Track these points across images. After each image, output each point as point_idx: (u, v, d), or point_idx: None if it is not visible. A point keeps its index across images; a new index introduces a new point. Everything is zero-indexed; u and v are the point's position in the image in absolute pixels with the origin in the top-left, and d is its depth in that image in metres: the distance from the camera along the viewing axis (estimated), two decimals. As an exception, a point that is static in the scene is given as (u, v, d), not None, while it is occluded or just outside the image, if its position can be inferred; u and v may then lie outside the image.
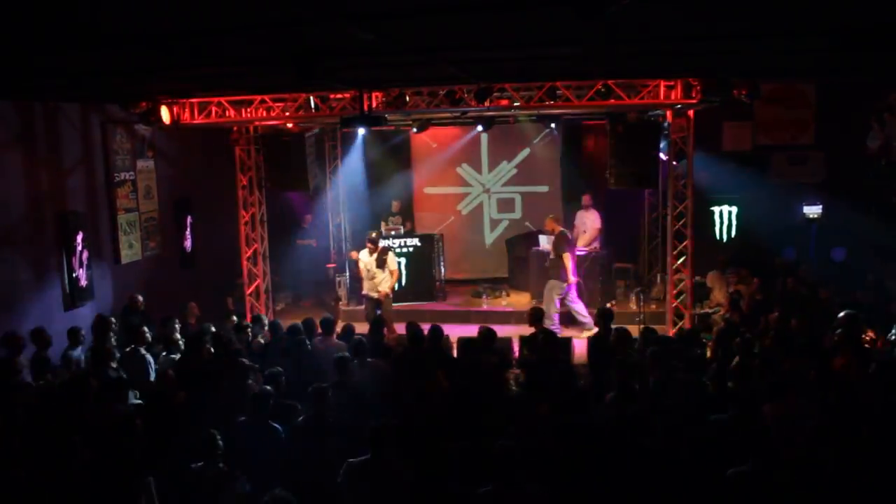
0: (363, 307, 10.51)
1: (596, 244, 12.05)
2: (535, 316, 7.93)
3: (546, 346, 7.21)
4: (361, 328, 8.62)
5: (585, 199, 12.26)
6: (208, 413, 5.64)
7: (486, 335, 7.16)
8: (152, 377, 7.07)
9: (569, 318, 10.83)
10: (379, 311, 9.50)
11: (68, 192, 9.03)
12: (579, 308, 10.73)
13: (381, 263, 10.13)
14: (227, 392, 6.13)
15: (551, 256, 10.85)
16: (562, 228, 10.97)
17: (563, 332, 10.32)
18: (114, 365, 6.84)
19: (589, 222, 12.24)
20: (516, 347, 8.65)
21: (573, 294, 10.73)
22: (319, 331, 7.88)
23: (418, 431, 5.33)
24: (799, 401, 5.44)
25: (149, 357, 7.21)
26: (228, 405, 5.80)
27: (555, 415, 5.42)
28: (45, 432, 5.15)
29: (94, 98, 9.20)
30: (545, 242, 11.76)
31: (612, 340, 7.39)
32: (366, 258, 10.19)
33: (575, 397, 5.47)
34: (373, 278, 10.11)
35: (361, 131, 12.32)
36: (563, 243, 10.72)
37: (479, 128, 11.69)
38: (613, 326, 7.55)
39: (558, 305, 10.74)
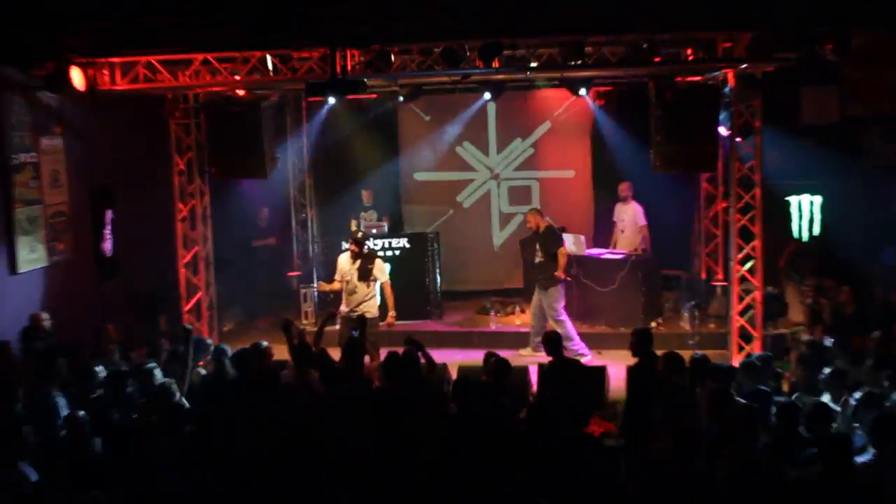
0: (337, 328, 10.37)
1: (641, 246, 12.02)
2: (551, 342, 7.79)
3: (560, 379, 7.10)
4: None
5: (623, 188, 12.24)
6: (131, 472, 5.54)
7: (498, 369, 7.06)
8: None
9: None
10: (356, 332, 9.34)
11: (-51, 179, 8.97)
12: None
13: (365, 274, 9.76)
14: (156, 443, 6.07)
15: (538, 259, 10.86)
16: (548, 223, 10.95)
17: (597, 359, 10.27)
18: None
19: (628, 218, 12.21)
20: (535, 379, 8.65)
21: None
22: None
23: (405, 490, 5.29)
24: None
25: (62, 401, 7.07)
26: (158, 461, 5.70)
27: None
28: None
29: (-17, 57, 9.11)
30: (572, 244, 11.69)
31: (659, 370, 7.33)
32: (346, 265, 9.87)
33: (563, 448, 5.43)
34: (353, 293, 9.80)
35: (332, 101, 12.22)
36: (556, 239, 10.81)
37: (487, 96, 11.59)
38: (666, 352, 7.44)
39: (567, 319, 10.75)
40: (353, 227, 12.48)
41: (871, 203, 11.76)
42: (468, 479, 5.48)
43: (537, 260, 10.88)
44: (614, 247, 12.31)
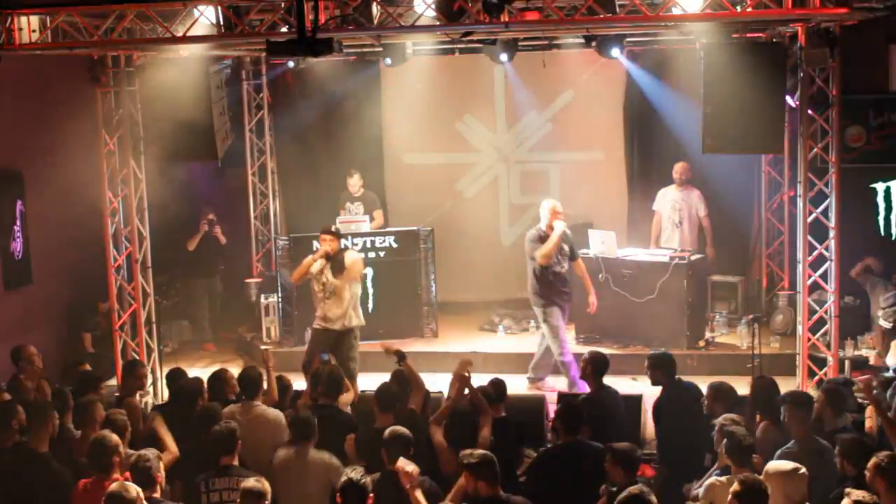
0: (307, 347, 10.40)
1: (698, 243, 12.18)
2: (598, 365, 7.97)
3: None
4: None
5: (680, 169, 12.23)
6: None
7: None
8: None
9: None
10: (326, 357, 9.33)
11: None
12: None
13: (340, 267, 9.94)
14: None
15: (565, 266, 10.80)
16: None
17: (632, 386, 10.23)
18: None
19: (687, 207, 12.28)
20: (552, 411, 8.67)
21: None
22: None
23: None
24: None
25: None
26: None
27: None
28: None
29: None
30: (600, 242, 11.63)
31: (707, 405, 7.45)
32: (315, 268, 10.01)
33: None
34: (332, 294, 9.90)
35: (299, 64, 12.37)
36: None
37: (504, 57, 11.50)
38: (713, 381, 7.58)
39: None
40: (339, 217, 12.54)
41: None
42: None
43: (567, 266, 10.75)
44: (656, 244, 12.31)
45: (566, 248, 10.69)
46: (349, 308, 9.98)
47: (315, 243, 10.73)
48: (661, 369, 7.96)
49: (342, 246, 10.31)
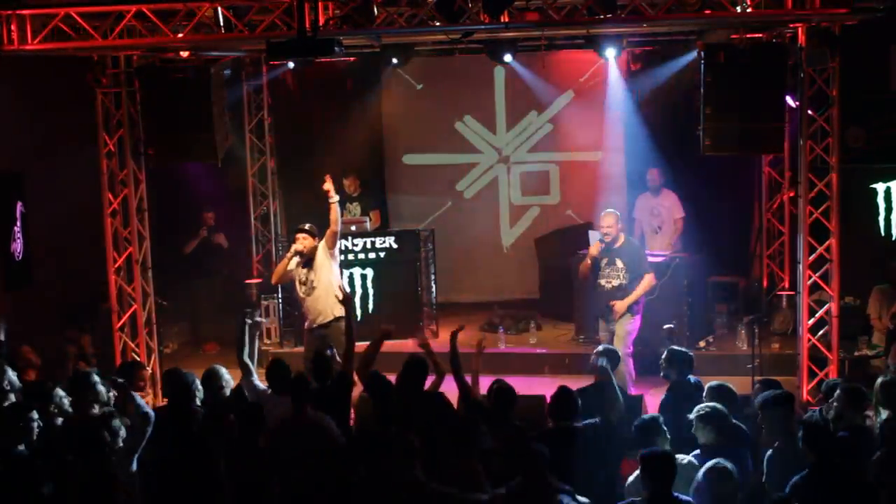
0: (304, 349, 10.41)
1: (677, 245, 12.04)
2: (610, 358, 7.92)
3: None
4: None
5: (652, 175, 12.27)
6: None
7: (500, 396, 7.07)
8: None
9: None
10: (332, 353, 9.36)
11: None
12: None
13: (310, 261, 9.93)
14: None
15: (619, 282, 10.18)
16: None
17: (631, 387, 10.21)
18: None
19: (665, 211, 12.25)
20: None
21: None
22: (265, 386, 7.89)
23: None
24: None
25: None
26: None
27: None
28: None
29: None
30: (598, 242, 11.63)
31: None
32: (293, 266, 10.01)
33: None
34: (313, 289, 9.83)
35: (292, 65, 12.48)
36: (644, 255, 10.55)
37: (508, 57, 11.49)
38: (713, 382, 7.51)
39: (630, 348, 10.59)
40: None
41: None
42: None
43: (617, 282, 10.21)
44: None
45: (620, 263, 10.08)
46: (331, 296, 9.76)
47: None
48: (673, 367, 7.94)
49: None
